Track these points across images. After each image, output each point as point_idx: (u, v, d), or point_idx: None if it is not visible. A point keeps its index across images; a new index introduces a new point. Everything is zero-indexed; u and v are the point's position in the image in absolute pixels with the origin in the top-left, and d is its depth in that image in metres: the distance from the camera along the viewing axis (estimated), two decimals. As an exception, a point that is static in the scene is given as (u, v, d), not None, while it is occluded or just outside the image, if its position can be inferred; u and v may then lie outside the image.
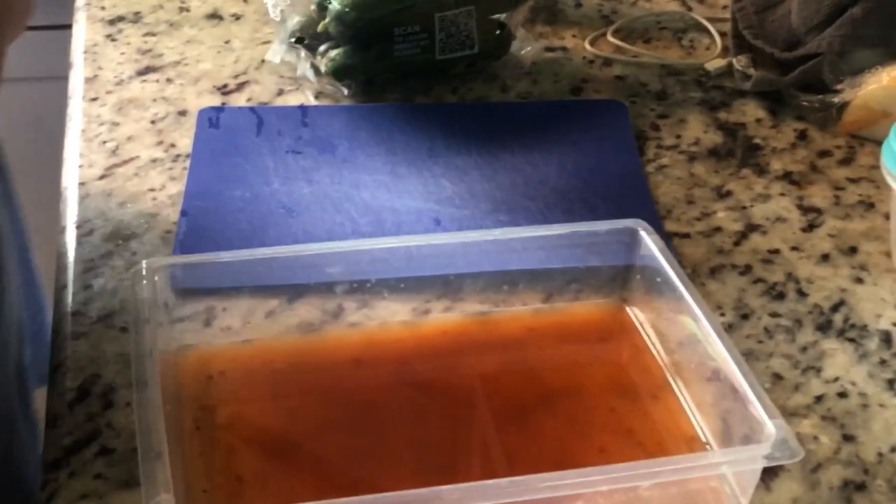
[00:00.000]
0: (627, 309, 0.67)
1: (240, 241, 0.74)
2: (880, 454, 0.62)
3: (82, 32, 0.97)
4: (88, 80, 0.91)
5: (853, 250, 0.76)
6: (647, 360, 0.64)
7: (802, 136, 0.87)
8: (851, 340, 0.69)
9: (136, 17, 0.99)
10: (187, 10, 1.00)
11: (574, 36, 0.99)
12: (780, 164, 0.84)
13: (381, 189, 0.79)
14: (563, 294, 0.68)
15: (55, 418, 0.62)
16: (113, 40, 0.96)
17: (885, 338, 0.70)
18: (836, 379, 0.67)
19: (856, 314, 0.71)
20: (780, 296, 0.72)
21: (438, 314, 0.67)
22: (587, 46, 0.97)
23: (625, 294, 0.67)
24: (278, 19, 0.90)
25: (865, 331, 0.70)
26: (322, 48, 0.89)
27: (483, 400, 0.62)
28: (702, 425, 0.60)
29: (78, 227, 0.75)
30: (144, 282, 0.60)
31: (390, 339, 0.65)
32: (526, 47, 0.93)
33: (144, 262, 0.61)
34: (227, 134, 0.84)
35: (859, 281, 0.74)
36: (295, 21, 0.89)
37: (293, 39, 0.90)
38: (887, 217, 0.77)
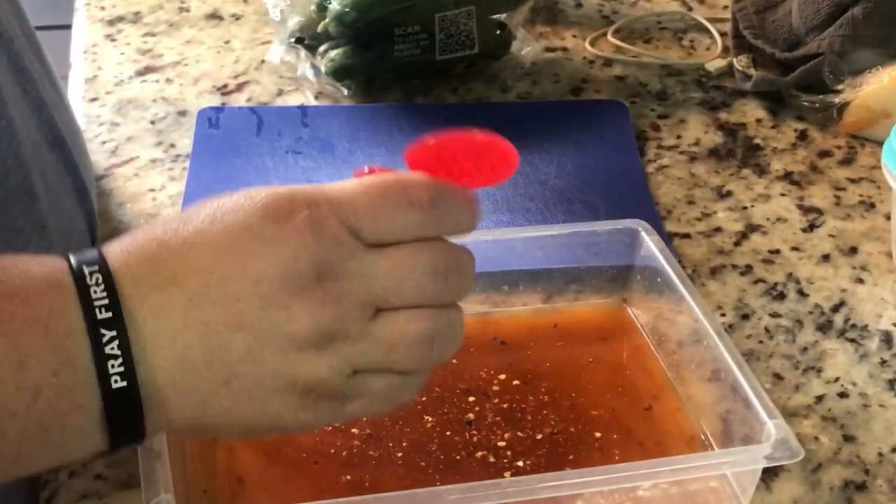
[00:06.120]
0: (628, 309, 0.67)
1: (240, 241, 0.73)
2: (881, 454, 0.62)
3: (82, 32, 0.97)
4: (88, 81, 0.91)
5: (854, 250, 0.76)
6: (647, 360, 0.64)
7: (803, 136, 0.87)
8: (852, 341, 0.69)
9: (136, 18, 0.99)
10: (187, 11, 1.00)
11: (574, 36, 0.99)
12: (780, 164, 0.84)
13: (381, 189, 0.79)
14: (563, 294, 0.68)
15: (55, 418, 0.62)
16: (112, 40, 0.96)
17: (886, 338, 0.70)
18: (837, 379, 0.67)
19: (856, 314, 0.71)
20: (781, 296, 0.72)
21: (438, 314, 0.67)
22: (587, 46, 0.97)
23: (625, 294, 0.67)
24: (278, 19, 0.90)
25: (866, 331, 0.70)
26: (322, 48, 0.89)
27: (483, 400, 0.61)
28: (702, 425, 0.60)
29: (78, 228, 0.75)
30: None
31: (390, 339, 0.65)
32: (526, 47, 0.93)
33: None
34: (227, 134, 0.84)
35: (860, 281, 0.74)
36: (295, 21, 0.89)
37: (293, 40, 0.90)
38: (888, 217, 0.77)
